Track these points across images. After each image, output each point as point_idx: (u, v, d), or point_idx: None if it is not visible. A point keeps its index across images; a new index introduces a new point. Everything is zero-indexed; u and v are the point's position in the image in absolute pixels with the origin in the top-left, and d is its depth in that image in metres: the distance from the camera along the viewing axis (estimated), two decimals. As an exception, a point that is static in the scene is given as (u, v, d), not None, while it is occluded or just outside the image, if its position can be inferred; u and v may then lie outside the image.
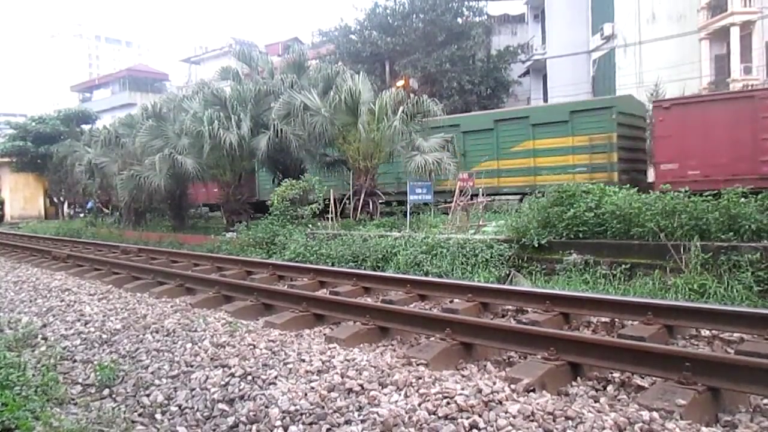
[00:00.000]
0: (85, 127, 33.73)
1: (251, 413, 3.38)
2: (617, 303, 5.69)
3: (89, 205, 29.69)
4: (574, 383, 4.13)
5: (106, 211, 26.48)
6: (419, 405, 3.22)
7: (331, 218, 13.18)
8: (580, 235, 8.34)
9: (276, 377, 3.82)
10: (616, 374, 4.25)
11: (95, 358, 4.79)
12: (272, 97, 16.41)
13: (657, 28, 24.86)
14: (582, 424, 2.92)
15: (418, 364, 4.26)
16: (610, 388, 4.07)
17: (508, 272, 8.59)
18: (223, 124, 15.43)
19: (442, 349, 4.68)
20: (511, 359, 4.79)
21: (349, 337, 5.26)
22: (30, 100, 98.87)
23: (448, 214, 12.45)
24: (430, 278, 8.08)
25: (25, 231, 25.05)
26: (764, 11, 23.23)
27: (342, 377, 3.72)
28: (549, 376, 3.99)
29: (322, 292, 7.59)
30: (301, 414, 3.27)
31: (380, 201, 14.93)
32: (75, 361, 4.85)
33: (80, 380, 4.42)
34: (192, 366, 4.27)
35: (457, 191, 12.38)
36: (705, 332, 5.27)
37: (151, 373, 4.31)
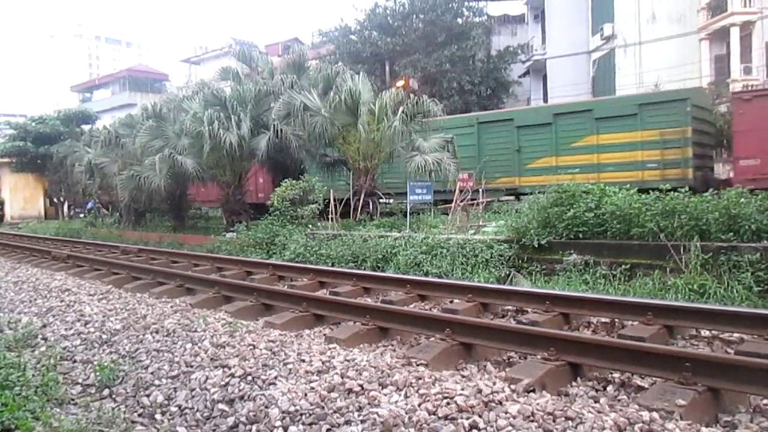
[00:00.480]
0: (85, 128, 33.73)
1: (251, 413, 3.38)
2: (617, 303, 5.69)
3: (89, 205, 29.68)
4: (574, 383, 4.13)
5: (106, 211, 26.48)
6: (419, 405, 3.22)
7: (331, 218, 13.18)
8: (580, 236, 8.34)
9: (276, 377, 3.82)
10: (616, 374, 4.25)
11: (95, 358, 4.80)
12: (272, 97, 16.40)
13: (657, 29, 24.87)
14: (582, 424, 2.92)
15: (418, 365, 4.26)
16: (610, 388, 4.07)
17: (508, 272, 8.59)
18: (223, 125, 15.42)
19: (442, 349, 4.68)
20: (511, 359, 4.79)
21: (349, 338, 5.25)
22: (30, 101, 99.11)
23: (448, 214, 12.44)
24: (430, 278, 8.08)
25: (25, 231, 25.06)
26: (764, 11, 23.23)
27: (342, 377, 3.72)
28: (549, 377, 3.99)
29: (322, 293, 7.59)
30: (301, 414, 3.27)
31: (380, 200, 14.92)
32: (75, 361, 4.85)
33: (80, 380, 4.43)
34: (192, 366, 4.27)
35: (456, 191, 12.38)
36: (705, 332, 5.27)
37: (151, 373, 4.31)
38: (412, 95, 16.22)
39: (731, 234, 7.09)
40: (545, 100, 30.07)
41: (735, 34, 23.67)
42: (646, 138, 14.03)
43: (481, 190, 13.44)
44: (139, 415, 3.77)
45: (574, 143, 15.08)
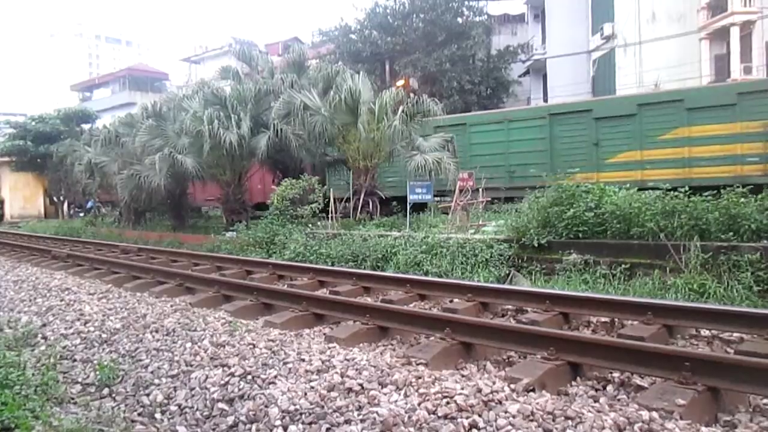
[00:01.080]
0: (85, 127, 33.69)
1: (251, 413, 3.38)
2: (617, 303, 5.69)
3: (89, 204, 29.66)
4: (573, 383, 4.13)
5: (104, 210, 26.47)
6: (419, 404, 3.22)
7: (331, 218, 13.18)
8: (580, 235, 8.34)
9: (276, 377, 3.82)
10: (616, 374, 4.25)
11: (95, 357, 4.79)
12: (272, 96, 16.40)
13: (657, 28, 24.88)
14: (582, 423, 2.92)
15: (417, 364, 4.26)
16: (609, 387, 4.07)
17: (507, 272, 8.59)
18: (223, 124, 15.42)
19: (441, 348, 4.68)
20: (510, 359, 4.79)
21: (349, 337, 5.26)
22: (30, 100, 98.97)
23: (448, 213, 12.44)
24: (429, 278, 8.07)
25: (25, 230, 25.04)
26: (764, 11, 23.24)
27: (342, 377, 3.72)
28: (549, 376, 3.99)
29: (322, 292, 7.59)
30: (301, 413, 3.27)
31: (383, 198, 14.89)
32: (75, 360, 4.85)
33: (80, 379, 4.42)
34: (192, 365, 4.27)
35: (456, 191, 12.36)
36: (705, 332, 5.27)
37: (151, 372, 4.31)
38: (412, 95, 16.21)
39: (731, 234, 7.09)
40: (545, 99, 30.06)
41: (735, 34, 23.70)
42: (746, 130, 12.93)
43: (481, 189, 13.38)
44: (139, 414, 3.77)
45: (662, 136, 14.01)
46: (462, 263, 8.89)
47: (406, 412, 3.14)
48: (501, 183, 14.17)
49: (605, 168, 14.61)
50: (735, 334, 5.04)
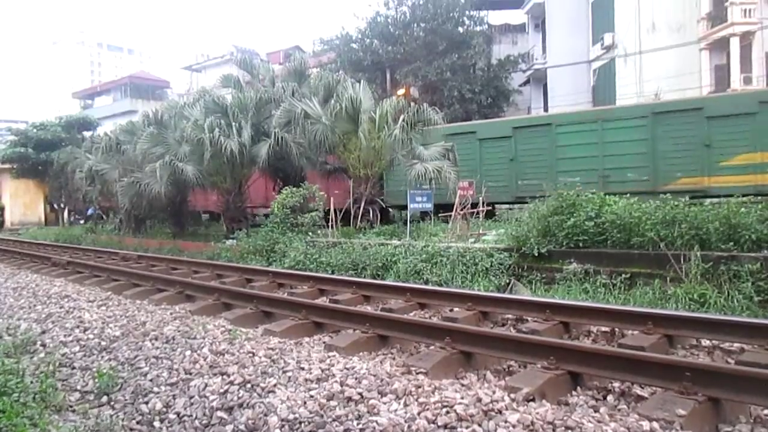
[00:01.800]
0: (86, 134, 33.76)
1: (250, 421, 3.37)
2: (617, 312, 5.68)
3: (89, 211, 29.67)
4: (574, 393, 4.12)
5: (106, 218, 26.48)
6: (418, 414, 3.22)
7: (331, 226, 13.18)
8: (581, 244, 8.34)
9: (275, 385, 3.81)
10: (616, 384, 4.24)
11: (94, 365, 4.78)
12: (273, 104, 16.46)
13: (657, 38, 24.98)
14: (582, 434, 2.91)
15: (417, 373, 4.25)
16: (610, 397, 4.06)
17: (508, 281, 8.59)
18: (224, 132, 15.46)
19: (441, 357, 4.67)
20: (510, 368, 4.78)
21: (349, 346, 5.24)
22: (31, 107, 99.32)
23: (448, 222, 12.43)
24: (429, 287, 8.06)
25: (25, 237, 25.05)
26: (764, 22, 23.35)
27: (341, 386, 3.71)
28: (549, 386, 3.98)
29: (322, 300, 7.58)
30: (300, 422, 3.26)
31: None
32: (74, 368, 4.83)
33: (79, 387, 4.41)
34: (191, 373, 4.26)
35: (457, 200, 12.36)
36: (705, 342, 5.25)
37: (150, 380, 4.30)
38: (412, 103, 16.24)
39: (731, 243, 7.08)
40: (545, 109, 30.14)
41: (735, 44, 23.78)
42: None
43: (481, 198, 13.36)
44: (138, 423, 3.75)
45: None
46: (462, 272, 8.88)
47: (405, 422, 3.13)
48: (593, 189, 13.42)
49: (717, 172, 13.29)
50: (735, 344, 5.03)
